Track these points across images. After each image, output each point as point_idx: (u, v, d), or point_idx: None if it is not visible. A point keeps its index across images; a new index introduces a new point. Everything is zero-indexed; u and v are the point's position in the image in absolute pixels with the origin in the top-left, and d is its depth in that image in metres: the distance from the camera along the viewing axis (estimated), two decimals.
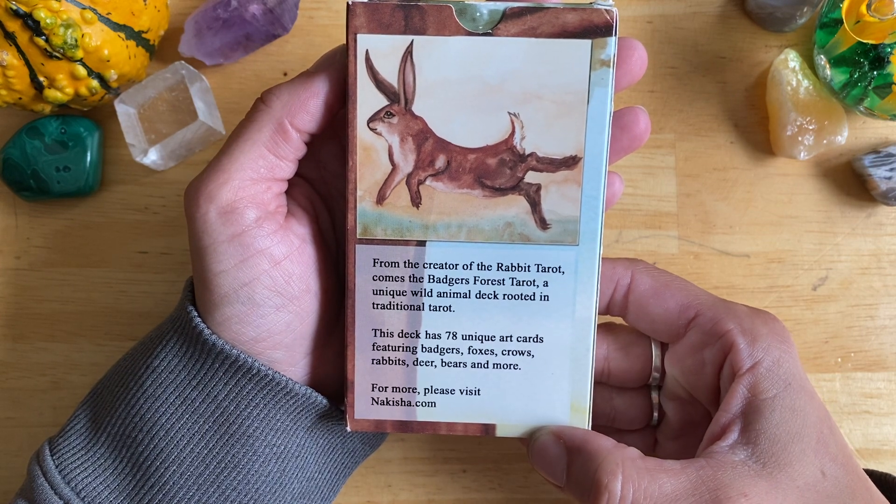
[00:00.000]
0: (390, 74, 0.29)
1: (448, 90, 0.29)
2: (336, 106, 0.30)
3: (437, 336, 0.31)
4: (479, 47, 0.29)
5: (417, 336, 0.31)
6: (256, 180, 0.29)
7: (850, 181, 0.41)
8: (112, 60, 0.35)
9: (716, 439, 0.30)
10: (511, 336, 0.31)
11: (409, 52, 0.29)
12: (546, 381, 0.31)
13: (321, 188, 0.33)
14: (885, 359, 0.41)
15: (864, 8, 0.34)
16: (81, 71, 0.35)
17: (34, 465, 0.31)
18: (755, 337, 0.31)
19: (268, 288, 0.29)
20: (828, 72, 0.38)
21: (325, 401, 0.31)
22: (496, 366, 0.31)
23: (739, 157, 0.41)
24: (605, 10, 0.28)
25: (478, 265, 0.30)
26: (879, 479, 0.33)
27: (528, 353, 0.31)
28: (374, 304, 0.31)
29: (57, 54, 0.34)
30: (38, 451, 0.31)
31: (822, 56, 0.39)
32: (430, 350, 0.31)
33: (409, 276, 0.30)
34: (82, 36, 0.34)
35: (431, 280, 0.30)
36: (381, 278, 0.31)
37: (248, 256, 0.29)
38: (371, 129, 0.29)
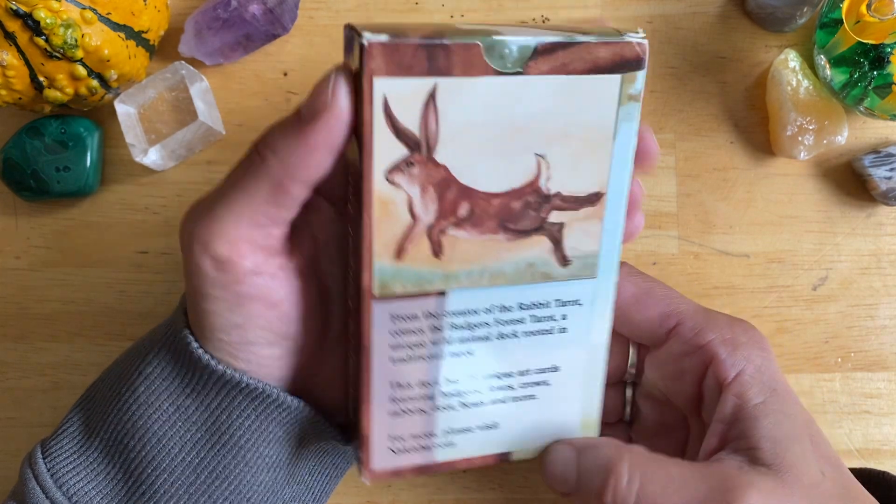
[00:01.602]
0: (411, 121, 0.26)
1: (473, 135, 0.26)
2: (340, 148, 0.27)
3: (456, 381, 0.29)
4: (507, 88, 0.26)
5: (437, 383, 0.29)
6: (254, 227, 0.28)
7: (850, 181, 0.41)
8: (112, 60, 0.35)
9: (715, 450, 0.30)
10: (529, 370, 0.30)
11: (432, 97, 0.26)
12: (560, 406, 0.31)
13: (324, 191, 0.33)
14: (885, 359, 0.41)
15: (864, 8, 0.34)
16: (81, 71, 0.35)
17: (26, 467, 0.30)
18: (736, 346, 0.31)
19: (261, 328, 0.28)
20: (828, 72, 0.38)
21: (316, 412, 0.31)
22: (514, 399, 0.30)
23: (739, 157, 0.41)
24: (637, 42, 0.27)
25: (499, 307, 0.29)
26: (877, 476, 0.33)
27: (545, 383, 0.30)
28: (391, 358, 0.28)
29: (57, 54, 0.34)
30: (30, 454, 0.31)
31: (822, 56, 0.38)
32: (450, 395, 0.29)
33: (429, 328, 0.28)
34: (82, 36, 0.34)
35: (452, 328, 0.29)
36: (399, 332, 0.28)
37: (242, 303, 0.28)
38: (389, 181, 0.26)
